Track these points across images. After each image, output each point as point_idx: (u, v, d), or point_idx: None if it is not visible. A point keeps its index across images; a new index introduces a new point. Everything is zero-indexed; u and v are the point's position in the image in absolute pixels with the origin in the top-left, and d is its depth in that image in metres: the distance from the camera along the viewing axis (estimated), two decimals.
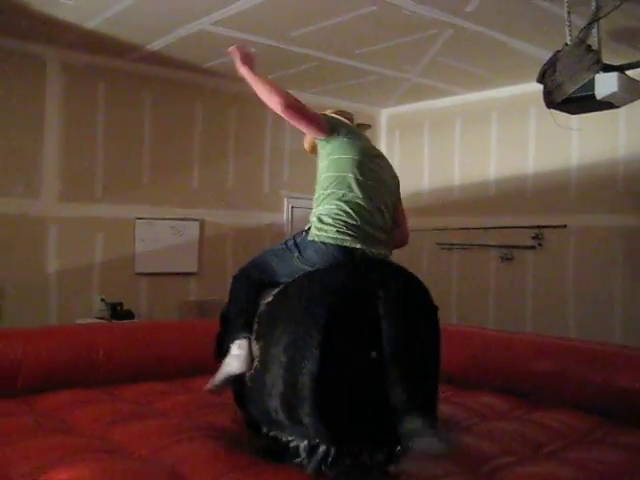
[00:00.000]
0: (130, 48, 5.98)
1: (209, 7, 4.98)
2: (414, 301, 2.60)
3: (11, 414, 3.34)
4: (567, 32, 4.31)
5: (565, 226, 6.55)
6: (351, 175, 2.80)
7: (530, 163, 6.88)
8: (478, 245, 7.15)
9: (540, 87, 4.44)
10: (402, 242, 3.13)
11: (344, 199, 2.77)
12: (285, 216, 7.55)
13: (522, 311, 6.78)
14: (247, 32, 5.47)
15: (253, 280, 2.89)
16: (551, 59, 4.30)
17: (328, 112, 3.14)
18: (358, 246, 2.72)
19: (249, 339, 2.71)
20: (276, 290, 2.78)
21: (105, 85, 6.34)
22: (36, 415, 3.36)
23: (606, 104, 4.25)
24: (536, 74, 4.44)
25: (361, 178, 2.81)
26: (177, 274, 6.70)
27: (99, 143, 6.32)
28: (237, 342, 2.71)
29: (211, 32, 5.45)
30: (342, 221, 2.73)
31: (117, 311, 6.05)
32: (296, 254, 2.78)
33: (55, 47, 5.95)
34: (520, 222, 6.83)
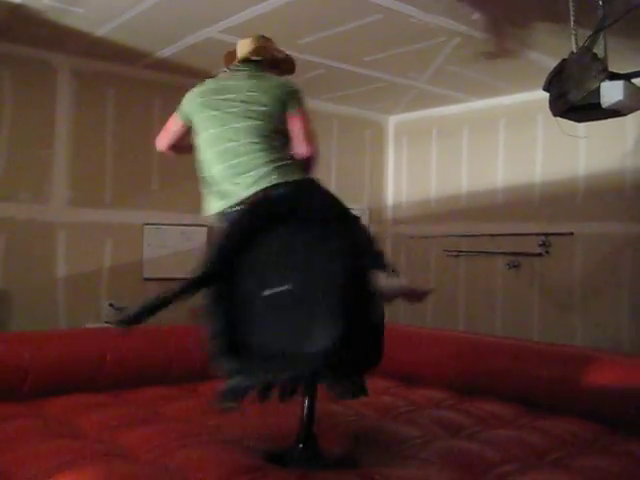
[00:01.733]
0: (139, 55, 6.02)
1: (217, 15, 5.01)
2: None
3: (18, 417, 3.37)
4: (573, 40, 4.31)
5: (572, 234, 6.54)
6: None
7: (537, 170, 6.88)
8: (485, 252, 7.15)
9: (547, 95, 4.45)
10: (304, 156, 3.07)
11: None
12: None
13: (529, 318, 6.77)
14: None
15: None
16: (557, 67, 4.30)
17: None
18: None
19: None
20: None
21: (115, 92, 6.38)
22: (43, 419, 3.40)
23: (612, 112, 4.24)
24: (543, 82, 4.45)
25: (201, 136, 3.02)
26: (185, 279, 6.71)
27: (108, 149, 6.36)
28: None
29: (219, 40, 5.48)
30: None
31: None
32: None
33: (65, 54, 6.00)
34: (527, 229, 6.83)
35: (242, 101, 2.93)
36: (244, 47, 3.13)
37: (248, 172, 2.80)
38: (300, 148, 2.99)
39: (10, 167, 5.80)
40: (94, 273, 6.21)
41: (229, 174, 2.81)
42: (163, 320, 6.58)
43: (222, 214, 2.78)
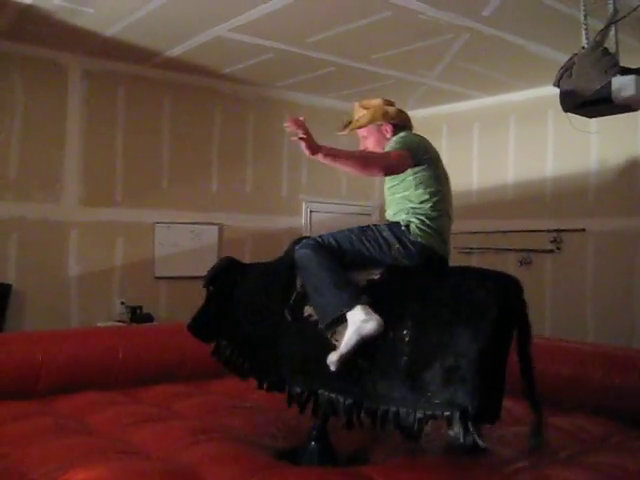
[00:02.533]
0: (149, 54, 6.04)
1: (227, 14, 5.02)
2: None
3: (32, 415, 3.39)
4: (584, 35, 4.29)
5: (584, 230, 6.51)
6: (441, 189, 3.14)
7: (548, 166, 6.85)
8: (496, 249, 7.12)
9: (558, 90, 4.42)
10: None
11: (438, 209, 3.06)
12: (303, 220, 7.58)
13: (541, 315, 6.73)
14: (264, 38, 5.51)
15: (335, 254, 2.90)
16: (568, 62, 4.28)
17: (390, 108, 3.27)
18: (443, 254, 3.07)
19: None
20: (381, 270, 2.93)
21: (125, 91, 6.41)
22: (56, 416, 3.41)
23: (624, 107, 4.22)
24: (553, 77, 4.43)
25: (444, 189, 3.17)
26: (196, 278, 6.70)
27: (119, 148, 6.39)
28: (359, 307, 2.71)
29: (229, 38, 5.49)
30: (439, 230, 3.04)
31: (137, 314, 6.10)
32: (397, 246, 2.91)
33: (76, 54, 6.03)
34: (539, 226, 6.80)
35: None
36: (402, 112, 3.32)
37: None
38: None
39: (22, 167, 5.84)
40: (106, 272, 6.24)
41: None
42: (176, 318, 6.61)
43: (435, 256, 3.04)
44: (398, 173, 3.01)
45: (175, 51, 5.92)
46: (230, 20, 5.12)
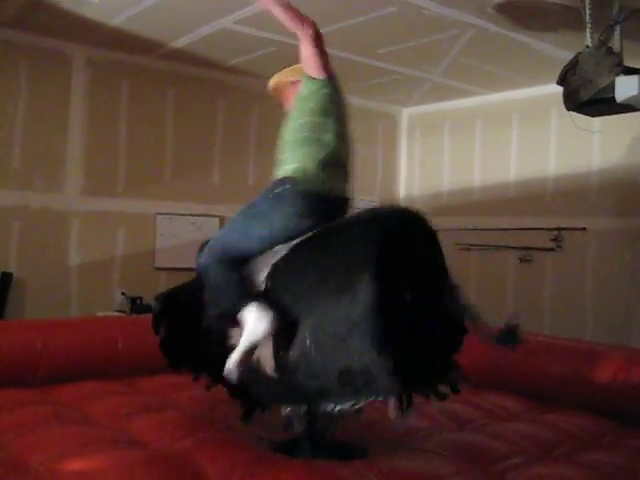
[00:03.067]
0: (153, 45, 6.04)
1: (231, 6, 5.01)
2: None
3: (31, 404, 3.41)
4: (588, 34, 4.30)
5: (585, 229, 6.52)
6: (331, 120, 2.84)
7: (551, 165, 6.85)
8: (497, 246, 7.13)
9: (561, 89, 4.43)
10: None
11: (325, 143, 2.77)
12: None
13: (540, 313, 6.76)
14: (269, 31, 5.50)
15: (234, 261, 2.78)
16: (572, 61, 4.29)
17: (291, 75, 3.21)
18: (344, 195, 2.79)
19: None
20: (283, 249, 2.70)
21: (129, 82, 6.41)
22: (55, 405, 3.43)
23: (626, 107, 4.23)
24: (557, 76, 4.43)
25: (337, 123, 2.86)
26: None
27: (122, 139, 6.39)
28: (252, 305, 2.57)
29: (234, 30, 5.49)
30: (327, 167, 2.73)
31: (137, 305, 6.12)
32: (290, 209, 2.69)
33: (80, 44, 6.03)
34: (540, 224, 6.81)
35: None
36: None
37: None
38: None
39: (25, 156, 5.85)
40: (106, 262, 6.26)
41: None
42: None
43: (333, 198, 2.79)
44: (317, 51, 2.99)
45: (180, 42, 5.92)
46: (235, 12, 5.12)
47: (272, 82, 3.22)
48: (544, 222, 6.77)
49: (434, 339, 2.50)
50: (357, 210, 2.80)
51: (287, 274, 2.65)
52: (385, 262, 2.39)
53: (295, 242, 2.70)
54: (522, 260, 6.93)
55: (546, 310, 6.75)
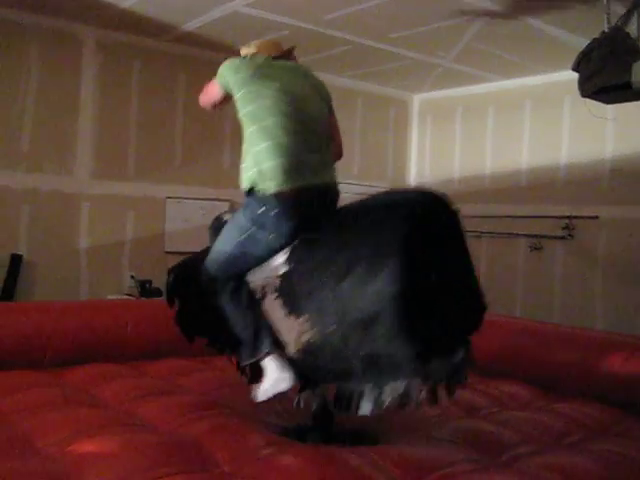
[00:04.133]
0: (165, 28, 6.01)
1: None
2: None
3: (40, 386, 3.42)
4: (605, 19, 4.23)
5: (597, 217, 6.47)
6: (272, 120, 2.70)
7: (563, 152, 6.80)
8: (507, 234, 7.10)
9: (575, 75, 4.37)
10: (338, 155, 2.97)
11: (275, 140, 2.66)
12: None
13: (550, 301, 6.73)
14: (281, 14, 5.46)
15: (235, 287, 2.79)
16: (588, 47, 4.23)
17: (247, 50, 3.06)
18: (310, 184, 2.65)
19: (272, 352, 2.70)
20: (282, 263, 2.66)
21: (139, 65, 6.39)
22: (64, 388, 3.44)
23: None
24: (572, 62, 4.38)
25: (285, 119, 2.68)
26: None
27: (132, 122, 6.38)
28: (270, 358, 2.70)
29: (245, 13, 5.45)
30: (284, 164, 2.62)
31: (146, 288, 6.13)
32: (270, 235, 2.66)
33: (91, 26, 6.01)
34: (551, 212, 6.77)
35: (311, 88, 2.88)
36: (277, 45, 3.06)
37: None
38: (339, 150, 2.98)
39: (35, 139, 5.85)
40: (116, 245, 6.27)
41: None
42: None
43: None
44: (209, 104, 3.02)
45: (191, 25, 5.89)
46: None
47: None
48: (555, 210, 6.73)
49: (457, 321, 2.47)
50: (374, 194, 2.76)
51: (308, 261, 2.62)
52: (413, 246, 2.36)
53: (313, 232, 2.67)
54: (533, 248, 6.89)
55: (556, 298, 6.72)
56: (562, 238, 6.70)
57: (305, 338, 2.57)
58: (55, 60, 5.93)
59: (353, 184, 7.72)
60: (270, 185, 2.64)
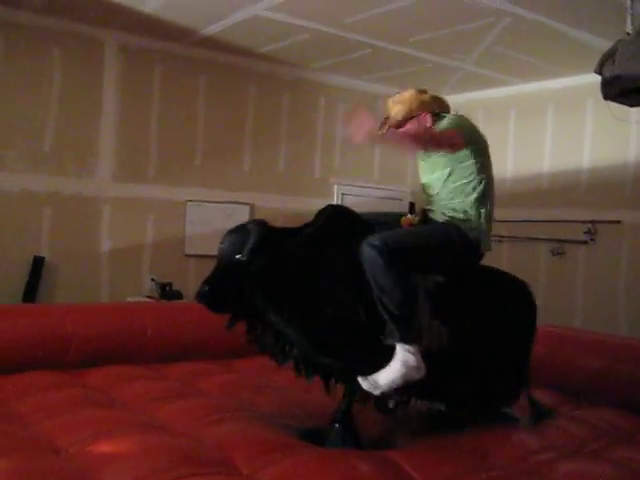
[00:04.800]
0: (186, 32, 6.04)
1: None
2: None
3: (61, 386, 3.44)
4: (628, 21, 4.18)
5: (619, 222, 6.39)
6: (486, 178, 2.99)
7: (585, 156, 6.73)
8: (529, 238, 7.03)
9: (598, 78, 4.32)
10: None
11: (490, 200, 3.01)
12: (335, 202, 7.54)
13: (572, 307, 6.66)
14: (301, 18, 5.47)
15: (403, 261, 2.75)
16: (611, 49, 4.18)
17: (424, 96, 3.16)
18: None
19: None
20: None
21: (161, 68, 6.43)
22: (84, 388, 3.46)
23: None
24: (594, 65, 4.33)
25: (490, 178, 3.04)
26: None
27: (153, 125, 6.42)
28: (416, 347, 2.71)
29: (265, 17, 5.46)
30: (489, 224, 3.01)
31: (166, 291, 6.15)
32: (459, 245, 2.91)
33: (113, 30, 6.06)
34: (573, 216, 6.69)
35: None
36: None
37: None
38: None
39: (57, 142, 5.90)
40: (137, 248, 6.30)
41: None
42: None
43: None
44: (453, 151, 2.90)
45: (211, 29, 5.91)
46: None
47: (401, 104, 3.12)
48: (578, 214, 6.65)
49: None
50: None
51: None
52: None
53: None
54: (554, 252, 6.82)
55: (578, 304, 6.64)
56: (584, 243, 6.63)
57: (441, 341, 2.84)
58: (78, 64, 5.98)
59: (373, 187, 7.72)
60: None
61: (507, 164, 7.36)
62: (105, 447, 2.53)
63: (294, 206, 7.14)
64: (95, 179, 6.11)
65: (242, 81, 6.89)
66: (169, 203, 6.49)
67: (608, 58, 4.09)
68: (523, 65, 6.48)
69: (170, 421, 2.94)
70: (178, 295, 6.18)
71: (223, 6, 5.33)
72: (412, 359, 2.68)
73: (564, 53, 5.97)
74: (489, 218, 3.00)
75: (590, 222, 6.57)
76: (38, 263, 5.70)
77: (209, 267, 2.92)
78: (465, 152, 2.92)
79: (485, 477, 2.48)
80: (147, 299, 6.06)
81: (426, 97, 3.14)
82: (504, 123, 7.41)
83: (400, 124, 3.03)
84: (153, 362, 4.06)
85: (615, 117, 4.93)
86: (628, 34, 4.10)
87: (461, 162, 2.94)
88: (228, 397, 3.41)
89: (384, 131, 2.98)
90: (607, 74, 4.11)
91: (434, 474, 2.45)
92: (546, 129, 7.07)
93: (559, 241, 6.79)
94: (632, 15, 4.14)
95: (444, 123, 2.99)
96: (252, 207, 6.95)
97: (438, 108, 3.11)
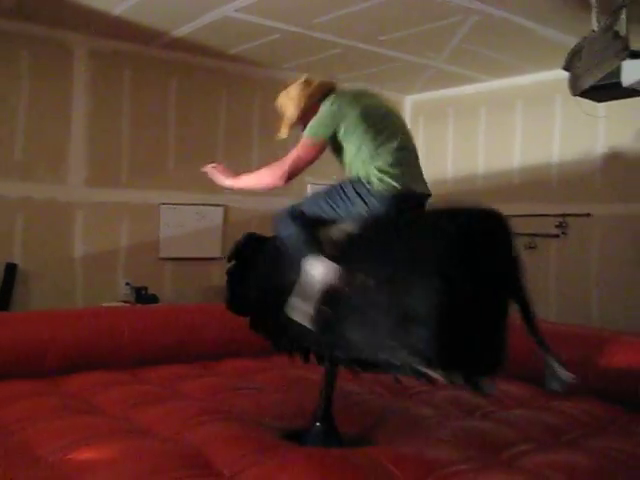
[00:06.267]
0: (156, 34, 6.01)
1: None
2: None
3: (38, 394, 3.41)
4: (594, 18, 4.26)
5: (589, 215, 6.49)
6: (382, 130, 2.97)
7: (555, 151, 6.82)
8: None
9: (566, 74, 4.40)
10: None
11: (393, 152, 2.94)
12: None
13: (545, 299, 6.74)
14: (271, 19, 5.47)
15: (306, 220, 2.98)
16: (577, 46, 4.26)
17: (311, 88, 3.19)
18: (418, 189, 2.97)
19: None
20: (352, 224, 2.87)
21: (131, 71, 6.38)
22: (62, 396, 3.44)
23: (633, 91, 4.20)
24: (562, 61, 4.40)
25: (389, 127, 3.01)
26: (201, 259, 6.75)
27: (125, 129, 6.37)
28: (313, 257, 2.75)
29: (236, 18, 5.46)
30: (403, 172, 2.92)
31: (142, 295, 6.13)
32: (360, 203, 2.91)
33: (82, 34, 6.00)
34: (544, 210, 6.78)
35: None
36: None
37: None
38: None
39: (28, 147, 5.84)
40: (111, 252, 6.26)
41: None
42: (181, 299, 6.64)
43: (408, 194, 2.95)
44: (308, 165, 3.11)
45: (181, 31, 5.89)
46: (237, 0, 5.09)
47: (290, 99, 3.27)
48: (549, 208, 6.74)
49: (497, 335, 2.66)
50: (437, 205, 2.97)
51: (357, 250, 2.77)
52: (456, 261, 2.46)
53: (369, 222, 2.84)
54: (527, 247, 6.90)
55: (552, 297, 6.73)
56: (556, 236, 6.72)
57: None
58: (46, 68, 5.92)
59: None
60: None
61: (478, 160, 7.43)
62: (86, 454, 2.52)
63: (268, 206, 7.12)
64: (67, 184, 6.05)
65: (213, 82, 6.87)
66: (143, 207, 6.45)
67: (575, 54, 4.16)
68: (492, 62, 6.55)
69: (150, 425, 2.94)
70: (154, 299, 6.15)
71: (193, 8, 5.32)
72: (314, 263, 2.74)
73: (532, 50, 6.04)
74: (394, 164, 2.93)
75: (561, 216, 6.66)
76: (11, 270, 5.64)
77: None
78: (342, 130, 3.00)
79: (463, 468, 2.51)
80: (122, 304, 6.02)
81: (313, 87, 3.16)
82: (475, 120, 7.48)
83: (299, 122, 3.20)
84: (131, 367, 4.05)
85: (584, 112, 5.02)
86: (594, 31, 4.18)
87: (347, 139, 3.03)
88: (208, 400, 3.42)
89: (286, 134, 3.30)
90: (574, 70, 4.19)
91: (415, 469, 2.47)
92: (516, 125, 7.15)
93: (531, 235, 6.87)
94: (597, 13, 4.21)
95: (320, 111, 3.05)
96: (226, 209, 6.93)
97: (322, 94, 3.12)
